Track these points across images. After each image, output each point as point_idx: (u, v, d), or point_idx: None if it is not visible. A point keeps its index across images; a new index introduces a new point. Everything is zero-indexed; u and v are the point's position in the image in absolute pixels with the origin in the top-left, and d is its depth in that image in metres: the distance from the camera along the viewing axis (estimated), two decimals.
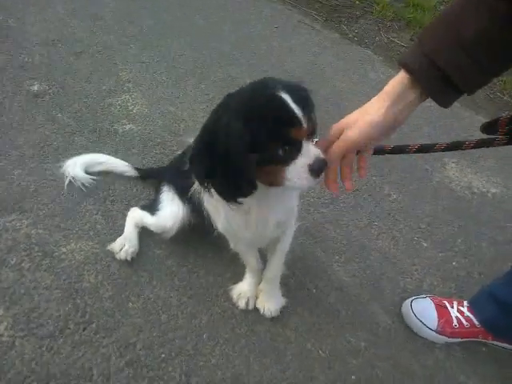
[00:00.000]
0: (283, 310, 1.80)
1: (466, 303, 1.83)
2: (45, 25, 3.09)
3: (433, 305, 1.84)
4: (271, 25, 3.75)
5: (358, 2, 4.48)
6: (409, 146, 1.26)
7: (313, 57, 3.50)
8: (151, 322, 1.68)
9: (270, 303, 1.77)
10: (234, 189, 1.15)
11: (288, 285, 1.90)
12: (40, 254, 1.80)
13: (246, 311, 1.77)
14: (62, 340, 1.57)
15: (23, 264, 1.76)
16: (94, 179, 2.08)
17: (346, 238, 2.15)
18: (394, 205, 2.39)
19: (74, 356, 1.54)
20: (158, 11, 3.52)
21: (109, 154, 2.20)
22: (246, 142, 1.03)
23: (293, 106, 1.06)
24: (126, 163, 2.15)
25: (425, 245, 2.22)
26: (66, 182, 2.04)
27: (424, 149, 1.25)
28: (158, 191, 1.90)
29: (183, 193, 1.74)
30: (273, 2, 4.10)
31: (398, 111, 1.05)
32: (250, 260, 1.76)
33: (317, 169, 1.09)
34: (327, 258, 2.04)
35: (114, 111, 2.52)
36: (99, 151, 2.23)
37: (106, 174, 2.15)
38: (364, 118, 1.06)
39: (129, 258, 1.82)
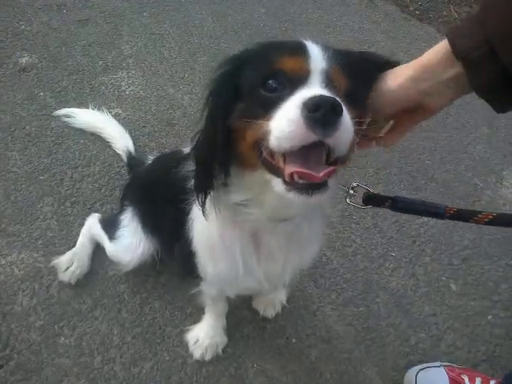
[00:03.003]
0: (248, 366, 1.42)
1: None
2: None
3: (446, 379, 1.38)
4: None
5: None
6: (479, 213, 0.84)
7: (358, 34, 2.94)
8: (81, 365, 1.38)
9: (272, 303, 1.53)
10: (206, 166, 0.81)
11: (263, 329, 1.52)
12: None
13: (200, 363, 1.42)
14: None
15: None
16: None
17: (351, 271, 1.71)
18: (424, 230, 1.88)
19: None
20: None
21: (84, 142, 1.92)
22: (226, 88, 0.75)
23: (309, 44, 0.73)
24: (130, 143, 1.87)
25: (454, 288, 1.72)
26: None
27: (502, 220, 0.82)
28: (121, 207, 1.55)
29: (150, 221, 1.40)
30: None
31: (427, 87, 0.74)
32: (219, 304, 1.39)
33: (314, 107, 0.60)
34: (319, 297, 1.62)
35: (104, 91, 2.20)
36: (74, 137, 1.95)
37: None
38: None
39: (73, 282, 1.52)
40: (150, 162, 1.60)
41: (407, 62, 0.78)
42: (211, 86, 0.77)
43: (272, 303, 1.53)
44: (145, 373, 1.38)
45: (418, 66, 0.75)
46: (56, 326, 1.44)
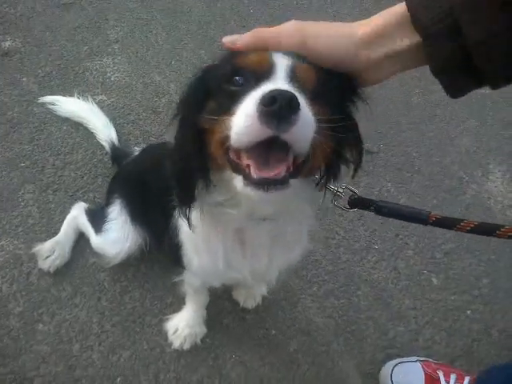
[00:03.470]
0: (226, 357, 1.44)
1: (467, 380, 1.36)
2: None
3: (422, 374, 1.40)
4: None
5: None
6: (461, 221, 0.81)
7: (349, 20, 2.89)
8: (59, 352, 1.39)
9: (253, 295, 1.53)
10: (184, 176, 0.80)
11: (243, 320, 1.53)
12: None
13: (179, 352, 1.43)
14: None
15: None
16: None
17: (333, 263, 1.72)
18: (407, 224, 1.87)
19: None
20: None
21: (67, 129, 1.91)
22: (197, 91, 0.75)
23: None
24: (114, 134, 1.83)
25: (435, 282, 1.74)
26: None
27: (483, 229, 0.80)
28: (108, 199, 1.53)
29: (139, 213, 1.40)
30: None
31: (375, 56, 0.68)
32: (201, 295, 1.39)
33: (269, 101, 0.58)
34: (301, 289, 1.63)
35: (88, 78, 2.17)
36: (57, 124, 1.93)
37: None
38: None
39: (52, 270, 1.52)
40: (136, 153, 1.59)
41: None
42: (183, 93, 0.77)
43: (252, 294, 1.54)
44: (123, 361, 1.39)
45: (368, 30, 0.68)
46: (35, 313, 1.45)
